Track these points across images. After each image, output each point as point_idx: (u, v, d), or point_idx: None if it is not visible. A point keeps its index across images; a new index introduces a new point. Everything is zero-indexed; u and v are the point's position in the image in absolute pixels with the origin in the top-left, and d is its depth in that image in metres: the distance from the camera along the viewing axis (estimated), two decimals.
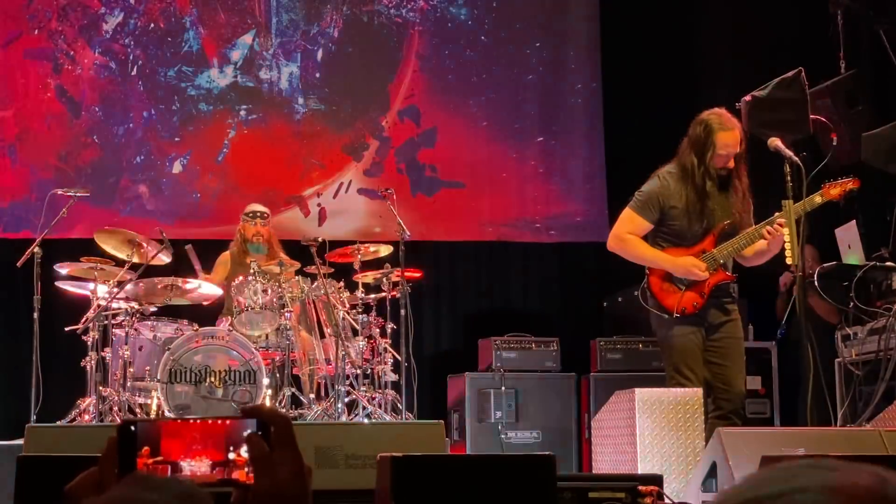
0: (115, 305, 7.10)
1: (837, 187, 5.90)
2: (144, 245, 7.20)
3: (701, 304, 5.86)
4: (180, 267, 7.64)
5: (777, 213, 5.81)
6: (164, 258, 7.30)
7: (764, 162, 6.07)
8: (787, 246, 5.74)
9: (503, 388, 8.22)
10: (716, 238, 5.88)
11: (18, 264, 7.04)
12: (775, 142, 5.89)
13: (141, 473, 1.42)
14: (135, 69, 9.49)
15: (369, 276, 7.57)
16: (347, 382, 7.17)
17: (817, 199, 5.87)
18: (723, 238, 5.89)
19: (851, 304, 6.85)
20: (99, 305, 7.00)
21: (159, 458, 1.46)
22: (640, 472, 5.31)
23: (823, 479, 1.01)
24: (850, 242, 7.51)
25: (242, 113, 9.62)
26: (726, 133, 5.77)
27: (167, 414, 6.86)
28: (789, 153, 5.82)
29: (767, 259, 6.01)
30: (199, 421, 1.49)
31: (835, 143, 7.57)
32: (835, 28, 8.42)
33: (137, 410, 7.04)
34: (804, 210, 5.82)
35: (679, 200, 5.87)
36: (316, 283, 7.39)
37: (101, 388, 6.92)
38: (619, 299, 8.89)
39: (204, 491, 1.39)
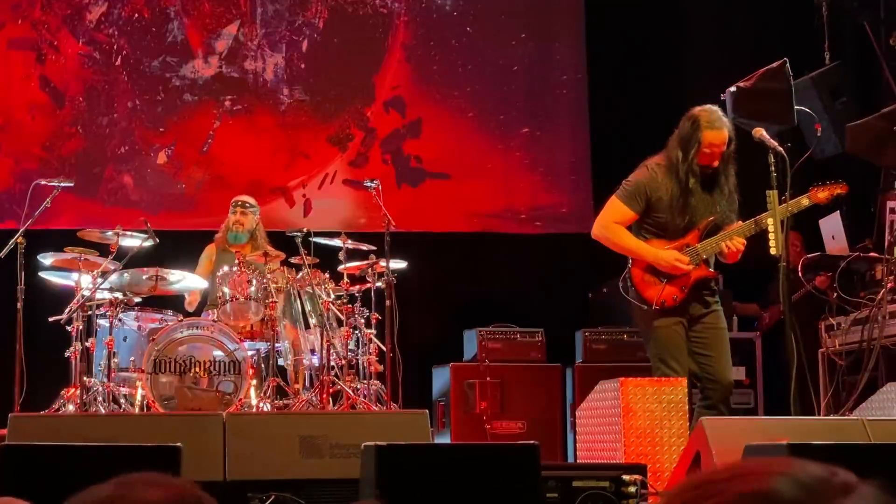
0: (99, 296, 7.08)
1: (825, 191, 5.93)
2: (127, 237, 7.17)
3: (681, 299, 5.87)
4: (166, 257, 7.63)
5: (763, 214, 5.83)
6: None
7: (748, 152, 6.09)
8: (772, 236, 5.76)
9: (488, 378, 8.23)
10: (700, 234, 5.89)
11: (1, 255, 7.00)
12: (759, 132, 5.91)
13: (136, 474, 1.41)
14: (119, 59, 9.46)
15: (354, 267, 7.56)
16: (332, 373, 7.16)
17: (804, 201, 5.91)
18: (707, 234, 5.90)
19: (835, 294, 6.89)
20: (83, 296, 6.97)
21: None
22: (624, 461, 5.33)
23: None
24: (833, 233, 7.54)
25: (227, 103, 9.60)
26: (713, 132, 5.75)
27: (152, 404, 6.84)
28: (773, 144, 5.84)
29: (737, 259, 6.03)
30: None
31: (819, 135, 7.60)
32: (819, 20, 8.45)
33: (122, 401, 7.03)
34: (791, 212, 5.84)
35: (665, 193, 5.86)
36: (301, 274, 7.38)
37: (85, 378, 6.89)
38: (605, 290, 8.90)
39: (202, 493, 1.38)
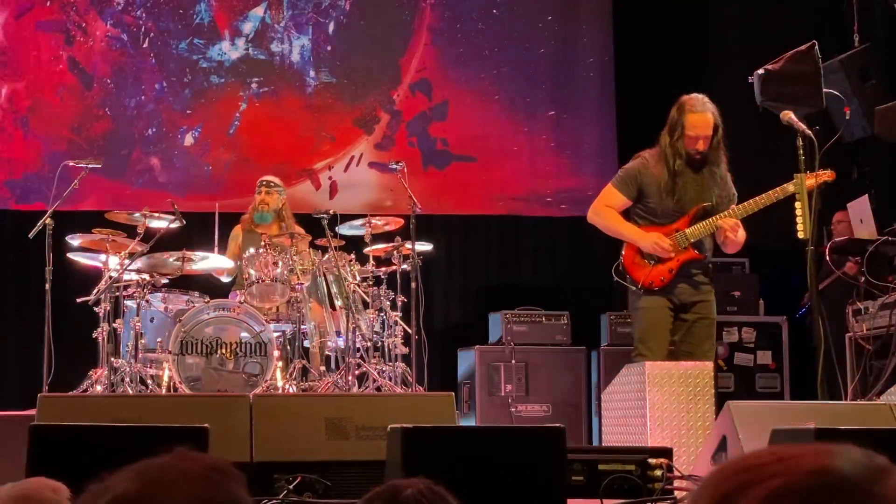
0: (126, 277, 7.11)
1: (811, 178, 5.94)
2: (155, 218, 7.21)
3: (668, 280, 6.01)
4: (193, 238, 7.65)
5: (733, 208, 5.87)
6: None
7: (776, 135, 6.07)
8: (799, 220, 5.74)
9: (513, 361, 8.23)
10: (691, 219, 6.02)
11: (30, 235, 7.05)
12: (788, 115, 5.90)
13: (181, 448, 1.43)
14: (146, 41, 9.48)
15: (380, 249, 7.57)
16: (358, 355, 7.18)
17: (790, 188, 5.93)
18: (698, 219, 6.00)
19: (863, 278, 6.85)
20: (110, 277, 7.01)
21: None
22: (649, 444, 5.32)
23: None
24: (862, 217, 7.49)
25: (254, 86, 9.61)
26: (695, 116, 5.93)
27: (179, 385, 6.88)
28: (802, 126, 5.82)
29: (739, 248, 6.11)
30: None
31: (847, 117, 7.55)
32: (849, 2, 8.38)
33: (149, 381, 7.06)
34: (778, 198, 5.89)
35: (655, 178, 6.03)
36: (327, 256, 7.40)
37: (112, 359, 6.94)
38: None
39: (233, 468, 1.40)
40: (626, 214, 6.16)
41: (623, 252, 6.14)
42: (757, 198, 5.93)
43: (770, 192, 5.92)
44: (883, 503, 1.00)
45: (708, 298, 6.09)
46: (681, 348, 5.98)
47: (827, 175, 5.98)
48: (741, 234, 6.00)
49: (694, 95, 6.04)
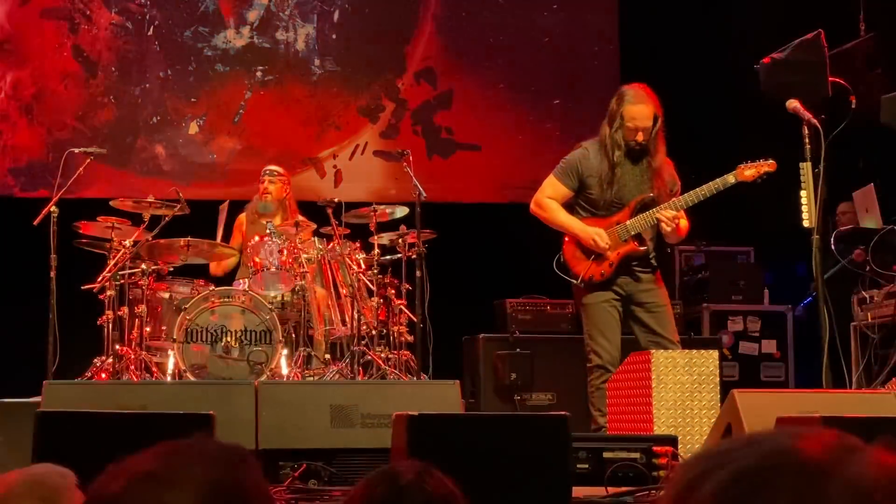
0: (131, 264, 7.11)
1: (752, 169, 5.92)
2: (159, 206, 7.21)
3: (608, 274, 5.97)
4: (197, 226, 7.65)
5: (673, 200, 5.82)
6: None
7: (782, 124, 6.04)
8: (805, 208, 5.72)
9: (518, 349, 8.22)
10: (631, 211, 5.98)
11: (35, 223, 7.04)
12: (794, 103, 5.88)
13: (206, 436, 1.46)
14: (151, 29, 9.48)
15: (385, 238, 7.57)
16: (363, 343, 7.19)
17: (730, 178, 5.90)
18: (639, 211, 5.96)
19: (868, 267, 6.85)
20: (115, 264, 7.01)
21: None
22: (655, 433, 5.32)
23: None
24: (867, 206, 7.48)
25: (259, 74, 9.61)
26: (634, 107, 5.89)
27: (184, 373, 6.89)
28: (808, 115, 5.80)
29: (681, 239, 6.05)
30: None
31: (853, 106, 7.53)
32: None
33: (153, 369, 7.07)
34: (717, 189, 5.84)
35: (596, 169, 5.99)
36: (332, 244, 7.40)
37: (117, 346, 6.94)
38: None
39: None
40: (569, 207, 6.09)
41: (564, 245, 6.09)
42: (698, 189, 5.86)
43: (710, 183, 5.86)
44: (843, 484, 1.00)
45: (654, 287, 6.03)
46: (646, 339, 5.94)
47: (768, 166, 5.94)
48: (683, 225, 5.94)
49: (634, 85, 6.01)
